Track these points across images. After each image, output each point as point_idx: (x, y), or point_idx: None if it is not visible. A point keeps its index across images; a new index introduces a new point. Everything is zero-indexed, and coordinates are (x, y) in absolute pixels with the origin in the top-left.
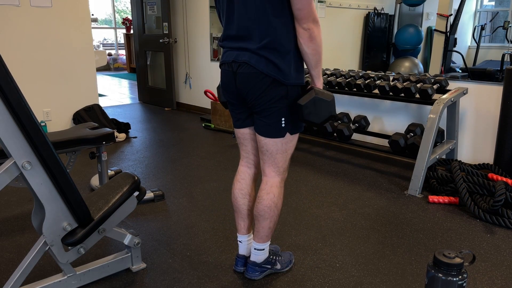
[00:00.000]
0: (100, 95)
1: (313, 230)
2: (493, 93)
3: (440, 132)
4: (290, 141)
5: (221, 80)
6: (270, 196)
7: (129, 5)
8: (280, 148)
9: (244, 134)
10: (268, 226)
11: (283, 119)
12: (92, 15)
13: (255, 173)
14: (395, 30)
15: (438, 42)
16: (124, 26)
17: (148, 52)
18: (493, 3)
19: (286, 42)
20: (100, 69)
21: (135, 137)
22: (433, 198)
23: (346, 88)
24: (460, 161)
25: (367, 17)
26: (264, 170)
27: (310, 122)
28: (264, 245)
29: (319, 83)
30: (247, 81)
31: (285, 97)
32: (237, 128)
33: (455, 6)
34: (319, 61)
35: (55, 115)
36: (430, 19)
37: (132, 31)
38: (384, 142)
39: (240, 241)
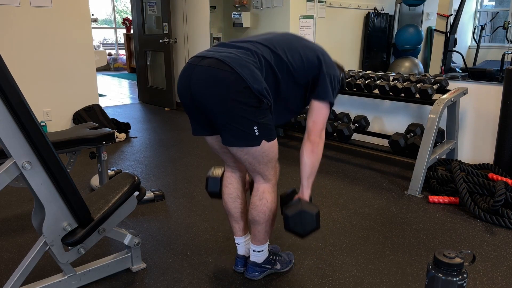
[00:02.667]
0: (100, 95)
1: None
2: (493, 93)
3: (440, 132)
4: (269, 147)
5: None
6: (263, 202)
7: (129, 5)
8: (259, 157)
9: (211, 143)
10: (264, 230)
11: (255, 127)
12: (92, 15)
13: (240, 175)
14: (395, 30)
15: (438, 42)
16: (124, 26)
17: (148, 52)
18: (493, 3)
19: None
20: (100, 69)
21: (135, 137)
22: (433, 198)
23: (346, 88)
24: (460, 161)
25: (367, 17)
26: (252, 177)
27: (295, 233)
28: (263, 247)
29: (307, 194)
30: (210, 78)
31: (256, 107)
32: (195, 135)
33: (455, 6)
34: (313, 174)
35: (55, 115)
36: (430, 19)
37: (132, 31)
38: (384, 142)
39: (237, 243)
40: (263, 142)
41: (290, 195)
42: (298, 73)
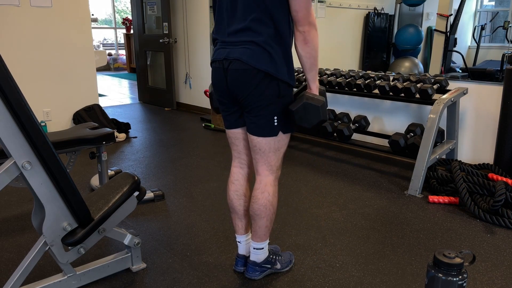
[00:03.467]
0: (100, 95)
1: (313, 230)
2: (493, 93)
3: (440, 132)
4: (282, 139)
5: (212, 78)
6: (265, 195)
7: (129, 5)
8: (273, 147)
9: (236, 134)
10: (265, 225)
11: (275, 117)
12: (92, 15)
13: (248, 173)
14: (395, 30)
15: (438, 42)
16: (124, 26)
17: (148, 52)
18: (493, 3)
19: (280, 40)
20: (100, 69)
21: (135, 137)
22: (433, 198)
23: (346, 88)
24: (460, 161)
25: (367, 17)
26: (257, 169)
27: (302, 127)
28: (263, 244)
29: (314, 86)
30: (238, 78)
31: (277, 95)
32: (229, 129)
33: (455, 6)
34: (314, 65)
35: (55, 115)
36: (430, 19)
37: (132, 31)
38: (384, 142)
39: (239, 242)
40: (280, 133)
41: (301, 91)
42: None
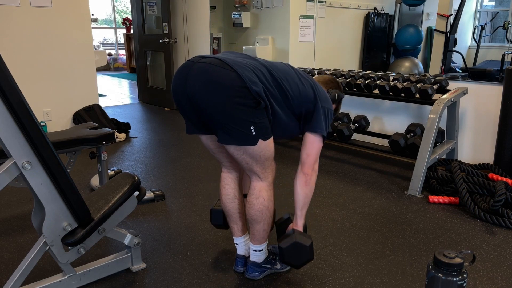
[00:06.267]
0: (100, 95)
1: (313, 230)
2: (493, 93)
3: (440, 132)
4: (265, 146)
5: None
6: (260, 201)
7: (129, 5)
8: (256, 155)
9: (206, 143)
10: (262, 228)
11: (252, 127)
12: (92, 15)
13: (237, 175)
14: (395, 30)
15: (438, 42)
16: (124, 26)
17: (148, 52)
18: (493, 3)
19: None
20: (100, 69)
21: (135, 137)
22: (433, 198)
23: (346, 88)
24: (460, 161)
25: (367, 17)
26: (248, 175)
27: (291, 265)
28: (262, 246)
29: (301, 223)
30: (208, 75)
31: (252, 107)
32: (189, 134)
33: (455, 6)
34: (306, 204)
35: (55, 115)
36: (430, 19)
37: (132, 31)
38: (384, 142)
39: (237, 244)
40: (260, 141)
41: (285, 222)
42: (294, 102)
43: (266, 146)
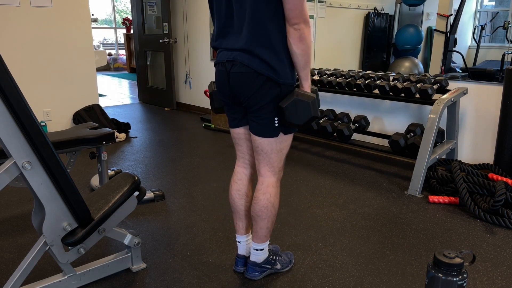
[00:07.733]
0: (100, 95)
1: (313, 230)
2: (493, 93)
3: (440, 132)
4: (284, 140)
5: (215, 80)
6: (267, 196)
7: (129, 5)
8: (275, 148)
9: (239, 134)
10: (266, 226)
11: (276, 118)
12: (92, 15)
13: (251, 173)
14: (395, 30)
15: (438, 42)
16: (124, 26)
17: (148, 52)
18: (493, 3)
19: (278, 42)
20: (100, 69)
21: (135, 137)
22: (433, 198)
23: (346, 88)
24: (460, 161)
25: (367, 17)
26: (259, 170)
27: (293, 124)
28: (263, 245)
29: (307, 85)
30: (240, 80)
31: (278, 97)
32: (232, 128)
33: (455, 6)
34: (307, 62)
35: (55, 115)
36: (430, 19)
37: (132, 31)
38: (384, 142)
39: (239, 242)
40: (281, 134)
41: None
42: None
43: (287, 140)
